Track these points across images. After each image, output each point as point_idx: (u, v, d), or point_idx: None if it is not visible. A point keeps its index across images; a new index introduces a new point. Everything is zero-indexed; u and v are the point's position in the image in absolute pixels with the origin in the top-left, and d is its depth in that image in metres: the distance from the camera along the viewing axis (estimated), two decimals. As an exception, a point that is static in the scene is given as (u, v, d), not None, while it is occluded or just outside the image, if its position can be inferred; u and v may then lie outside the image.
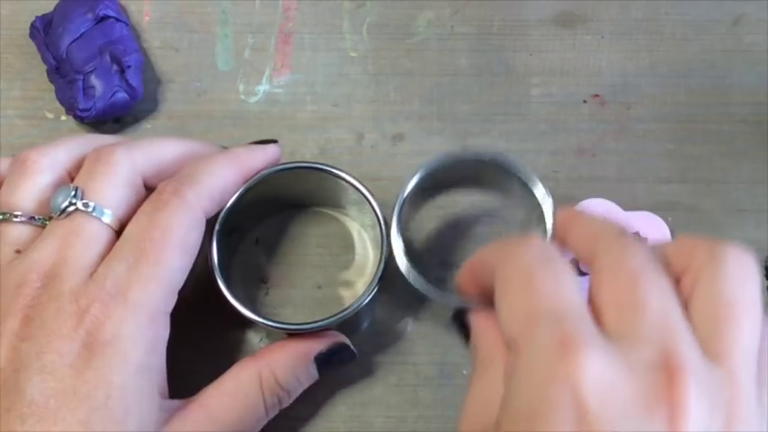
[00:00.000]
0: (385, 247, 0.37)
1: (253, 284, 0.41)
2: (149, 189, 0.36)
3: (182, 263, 0.34)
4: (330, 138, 0.44)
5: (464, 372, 0.40)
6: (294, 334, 0.37)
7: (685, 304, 0.28)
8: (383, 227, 0.38)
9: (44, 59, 0.44)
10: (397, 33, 0.47)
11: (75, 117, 0.43)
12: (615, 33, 0.47)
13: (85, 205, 0.33)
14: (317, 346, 0.37)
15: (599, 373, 0.25)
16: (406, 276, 0.37)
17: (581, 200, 0.42)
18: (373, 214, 0.38)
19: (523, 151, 0.44)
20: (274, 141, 0.39)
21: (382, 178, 0.44)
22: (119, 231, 0.34)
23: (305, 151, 0.44)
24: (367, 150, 0.44)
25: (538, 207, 0.38)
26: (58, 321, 0.32)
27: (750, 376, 0.27)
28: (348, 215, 0.42)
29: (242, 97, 0.45)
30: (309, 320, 0.36)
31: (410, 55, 0.46)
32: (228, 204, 0.37)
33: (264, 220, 0.42)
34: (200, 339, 0.40)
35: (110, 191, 0.34)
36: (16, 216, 0.35)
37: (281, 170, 0.38)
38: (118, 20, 0.44)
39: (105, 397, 0.31)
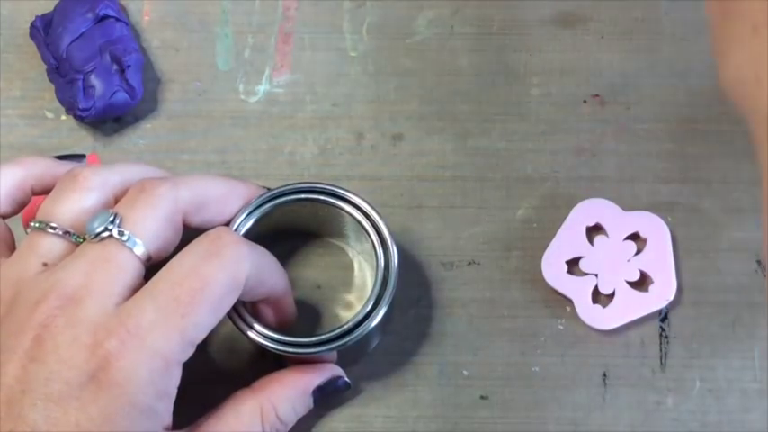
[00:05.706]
0: (380, 271, 0.37)
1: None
2: (187, 227, 0.35)
3: (209, 321, 0.33)
4: (330, 138, 0.44)
5: (464, 372, 0.40)
6: (293, 357, 0.37)
7: None
8: (380, 256, 0.37)
9: (44, 59, 0.44)
10: (397, 33, 0.47)
11: (75, 117, 0.43)
12: (615, 33, 0.47)
13: (120, 233, 0.33)
14: (316, 379, 0.37)
15: None
16: None
17: (581, 200, 0.42)
18: (370, 242, 0.37)
19: (523, 151, 0.44)
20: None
21: (382, 178, 0.44)
22: (147, 265, 0.33)
23: (304, 151, 0.44)
24: (367, 150, 0.44)
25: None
26: (72, 350, 0.31)
27: None
28: (348, 244, 0.42)
29: (242, 97, 0.45)
30: (307, 323, 0.36)
31: (410, 55, 0.46)
32: None
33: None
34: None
35: (147, 223, 0.33)
36: (52, 228, 0.34)
37: (278, 204, 0.38)
38: (118, 19, 0.44)
39: None
